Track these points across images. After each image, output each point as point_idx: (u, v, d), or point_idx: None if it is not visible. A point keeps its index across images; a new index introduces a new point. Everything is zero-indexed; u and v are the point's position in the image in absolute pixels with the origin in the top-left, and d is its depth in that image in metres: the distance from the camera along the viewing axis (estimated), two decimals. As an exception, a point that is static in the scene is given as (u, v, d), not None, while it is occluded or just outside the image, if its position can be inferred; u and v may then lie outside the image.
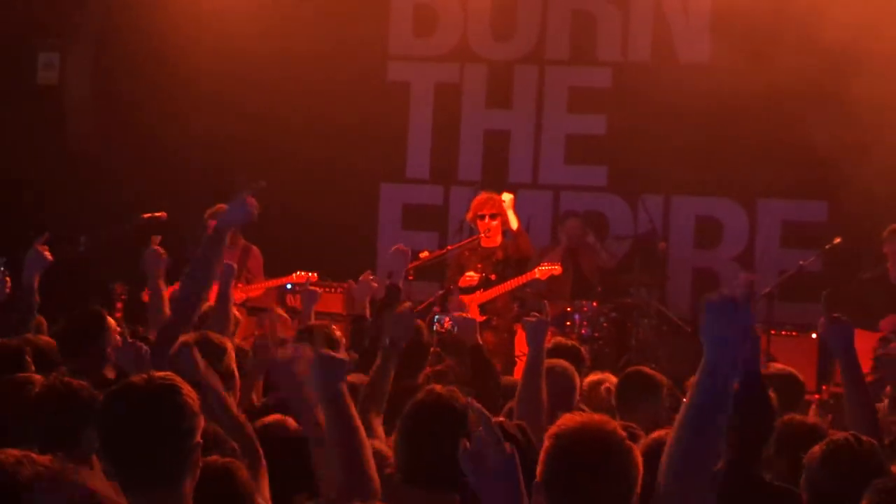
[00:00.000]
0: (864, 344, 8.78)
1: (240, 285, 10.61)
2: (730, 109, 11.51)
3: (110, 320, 5.55)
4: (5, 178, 11.70)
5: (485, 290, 9.81)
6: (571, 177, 12.49)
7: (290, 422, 4.24)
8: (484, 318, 9.46)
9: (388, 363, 5.20)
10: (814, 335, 10.66)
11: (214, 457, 3.36)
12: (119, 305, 9.23)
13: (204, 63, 12.00)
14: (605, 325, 10.80)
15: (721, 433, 2.89)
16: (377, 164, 12.65)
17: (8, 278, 6.34)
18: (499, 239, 9.95)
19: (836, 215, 11.50)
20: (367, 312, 7.32)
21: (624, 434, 3.06)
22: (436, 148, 12.78)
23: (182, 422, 3.05)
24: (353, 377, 5.66)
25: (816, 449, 3.88)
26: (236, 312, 6.95)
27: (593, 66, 12.43)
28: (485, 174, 12.39)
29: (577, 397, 5.98)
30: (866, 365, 6.88)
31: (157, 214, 10.06)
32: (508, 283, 9.78)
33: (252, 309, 10.88)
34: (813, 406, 7.85)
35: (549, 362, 5.48)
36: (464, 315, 7.36)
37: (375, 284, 7.55)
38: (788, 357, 9.26)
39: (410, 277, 9.95)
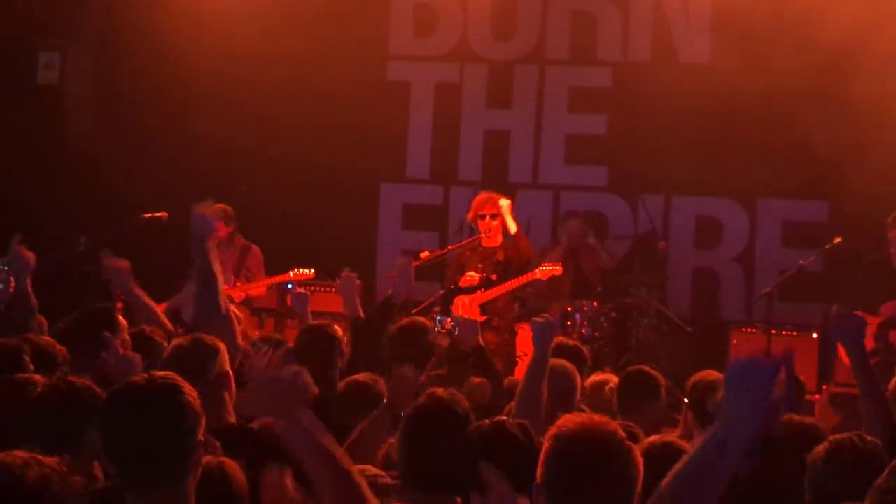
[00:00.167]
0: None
1: (238, 284, 10.64)
2: (730, 109, 11.51)
3: (121, 318, 5.53)
4: (5, 178, 11.70)
5: (485, 290, 9.81)
6: (571, 177, 12.49)
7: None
8: (485, 318, 9.46)
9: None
10: (814, 335, 10.68)
11: (208, 457, 3.36)
12: (119, 306, 9.21)
13: (204, 63, 12.00)
14: (605, 325, 10.80)
15: (727, 477, 2.74)
16: (377, 164, 12.64)
17: (11, 279, 6.33)
18: (499, 239, 9.95)
19: (836, 215, 11.50)
20: (360, 311, 7.25)
21: (624, 435, 3.06)
22: (436, 148, 12.78)
23: (184, 421, 3.05)
24: (361, 376, 5.67)
25: (820, 448, 3.88)
26: (237, 311, 6.93)
27: (593, 66, 12.42)
28: (485, 174, 12.38)
29: (578, 397, 5.98)
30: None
31: (157, 214, 10.08)
32: (509, 283, 9.79)
33: (255, 309, 10.93)
34: (825, 402, 7.88)
35: (550, 362, 5.47)
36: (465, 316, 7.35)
37: (358, 282, 7.48)
38: (788, 357, 9.24)
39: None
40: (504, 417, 4.02)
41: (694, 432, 5.39)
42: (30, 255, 6.21)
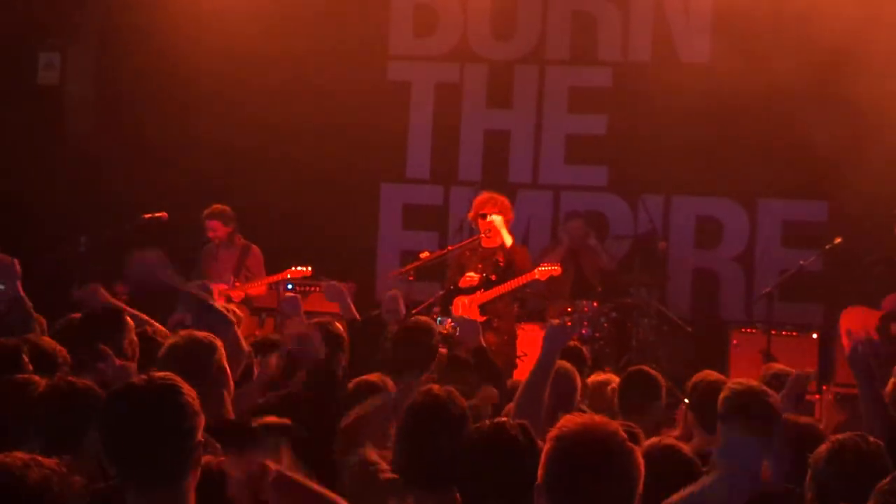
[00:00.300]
0: (868, 321, 8.86)
1: (237, 283, 10.64)
2: (730, 109, 11.51)
3: (129, 320, 5.51)
4: (5, 178, 11.70)
5: (485, 290, 9.80)
6: (571, 177, 12.49)
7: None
8: (484, 318, 9.45)
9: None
10: (814, 335, 10.68)
11: (208, 457, 3.36)
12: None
13: (204, 63, 12.00)
14: (605, 325, 10.81)
15: None
16: (377, 164, 12.65)
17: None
18: (499, 239, 9.94)
19: (836, 215, 11.50)
20: (355, 313, 7.19)
21: (625, 436, 3.05)
22: (436, 148, 12.78)
23: (183, 421, 3.05)
24: (372, 377, 5.65)
25: (822, 448, 3.88)
26: (237, 311, 6.93)
27: (593, 66, 12.42)
28: (485, 174, 12.39)
29: (578, 398, 5.97)
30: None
31: (157, 215, 10.09)
32: (509, 283, 9.78)
33: (255, 308, 10.93)
34: (830, 401, 7.88)
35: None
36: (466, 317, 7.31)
37: (343, 285, 7.42)
38: (788, 357, 9.27)
39: (411, 278, 9.96)
40: (504, 418, 4.02)
41: (694, 432, 5.39)
42: (9, 260, 6.07)
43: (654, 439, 4.33)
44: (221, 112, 12.08)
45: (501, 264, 9.84)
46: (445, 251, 10.12)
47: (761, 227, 12.06)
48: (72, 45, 12.59)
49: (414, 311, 8.75)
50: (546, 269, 9.83)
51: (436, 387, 4.09)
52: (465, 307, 9.68)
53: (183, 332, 4.87)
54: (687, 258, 12.13)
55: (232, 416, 4.71)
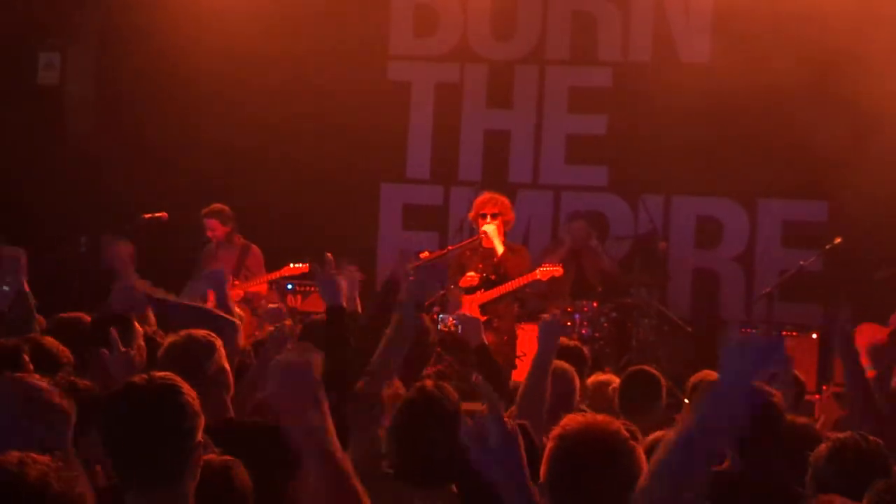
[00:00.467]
0: (876, 337, 8.84)
1: (237, 283, 10.64)
2: (730, 109, 11.50)
3: (137, 325, 5.48)
4: (5, 178, 11.70)
5: (485, 290, 9.80)
6: (572, 177, 12.49)
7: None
8: (485, 318, 9.44)
9: (403, 328, 4.69)
10: (814, 335, 10.68)
11: (212, 455, 3.36)
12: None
13: (204, 63, 12.00)
14: (605, 325, 10.79)
15: (714, 455, 2.79)
16: (377, 164, 12.65)
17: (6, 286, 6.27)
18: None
19: (836, 215, 11.49)
20: (359, 306, 7.13)
21: (627, 435, 3.06)
22: (436, 148, 12.78)
23: (183, 421, 3.05)
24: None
25: (823, 447, 3.89)
26: (238, 310, 6.91)
27: (593, 66, 12.42)
28: (485, 174, 12.38)
29: (578, 398, 5.97)
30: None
31: (157, 215, 10.10)
32: (509, 283, 9.77)
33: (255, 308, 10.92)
34: (830, 398, 7.87)
35: (550, 362, 5.45)
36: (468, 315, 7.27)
37: (360, 276, 7.35)
38: (789, 357, 9.26)
39: (411, 278, 9.94)
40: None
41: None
42: (16, 254, 6.07)
43: (657, 433, 4.33)
44: (221, 112, 12.08)
45: (501, 263, 9.83)
46: (445, 251, 10.11)
47: (761, 227, 12.06)
48: (72, 45, 12.60)
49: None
50: (548, 270, 9.83)
51: (429, 383, 4.08)
52: (466, 307, 9.68)
53: (182, 332, 4.85)
54: (687, 258, 12.13)
55: (232, 415, 4.70)
